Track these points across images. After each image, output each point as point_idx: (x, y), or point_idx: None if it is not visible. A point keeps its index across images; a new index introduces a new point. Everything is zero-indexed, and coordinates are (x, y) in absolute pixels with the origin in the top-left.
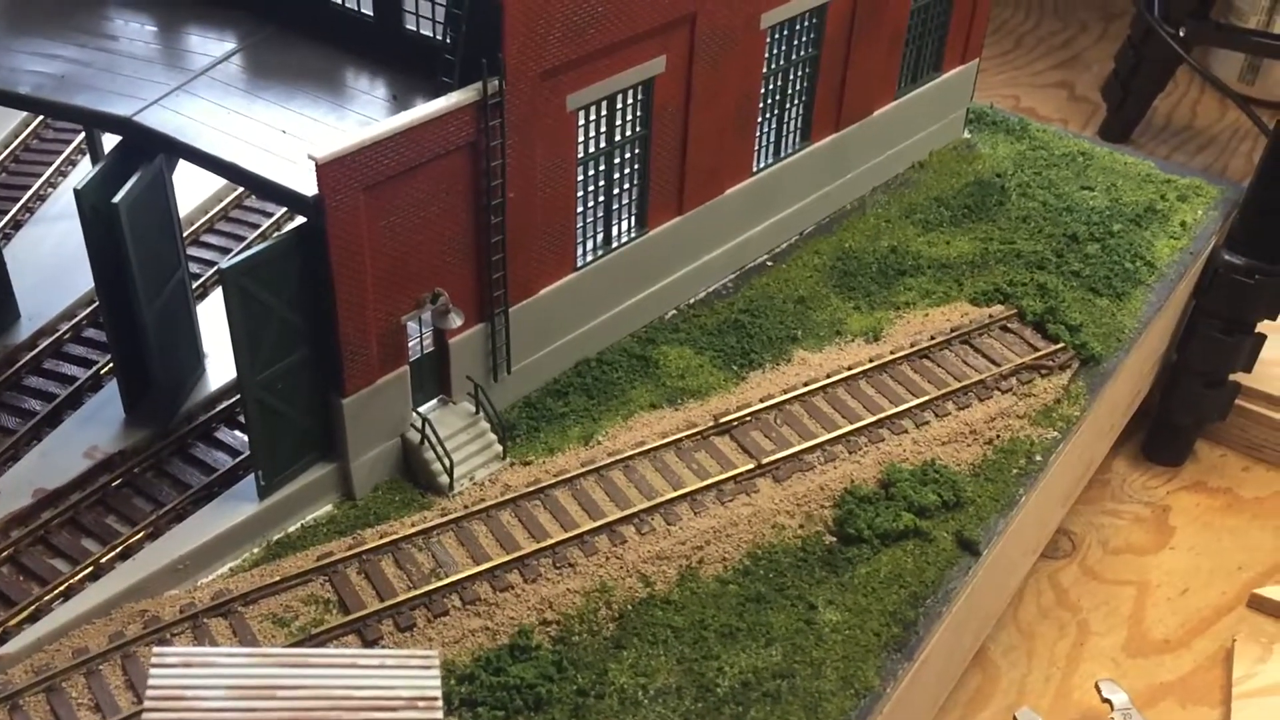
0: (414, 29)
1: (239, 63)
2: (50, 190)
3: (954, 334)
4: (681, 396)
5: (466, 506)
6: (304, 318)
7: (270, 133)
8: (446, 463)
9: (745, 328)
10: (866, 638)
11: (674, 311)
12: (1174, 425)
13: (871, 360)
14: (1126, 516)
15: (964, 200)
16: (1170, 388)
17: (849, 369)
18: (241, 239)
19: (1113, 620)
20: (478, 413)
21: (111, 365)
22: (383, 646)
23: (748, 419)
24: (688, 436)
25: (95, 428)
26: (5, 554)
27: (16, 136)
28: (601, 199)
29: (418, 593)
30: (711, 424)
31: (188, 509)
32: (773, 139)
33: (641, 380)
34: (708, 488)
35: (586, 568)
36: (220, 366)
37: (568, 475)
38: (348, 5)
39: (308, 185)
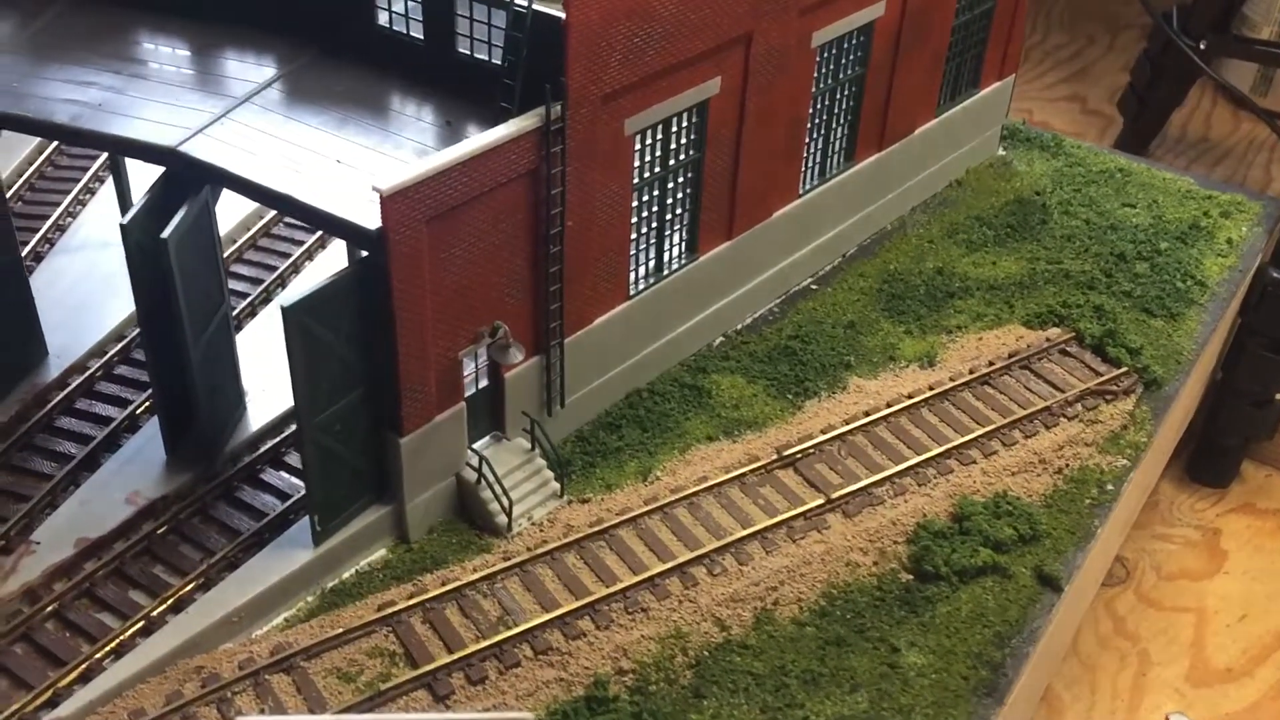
0: (466, 52)
1: (282, 89)
2: (69, 220)
3: (1013, 359)
4: (738, 428)
5: (529, 549)
6: (362, 355)
7: (322, 162)
8: (505, 502)
9: (796, 354)
10: (954, 681)
11: (721, 339)
12: (1220, 446)
13: (931, 388)
14: (1178, 540)
15: (1006, 219)
16: (1216, 407)
17: (909, 397)
18: (272, 268)
19: (1173, 649)
20: (533, 449)
21: (148, 404)
22: (455, 701)
23: (811, 451)
24: (751, 471)
25: (136, 471)
26: (50, 609)
27: (31, 164)
28: (654, 225)
29: (487, 643)
30: (775, 457)
31: (239, 557)
32: (818, 160)
33: (695, 411)
34: (777, 525)
35: (659, 612)
36: (260, 404)
37: (631, 514)
38: (396, 28)
39: (368, 218)
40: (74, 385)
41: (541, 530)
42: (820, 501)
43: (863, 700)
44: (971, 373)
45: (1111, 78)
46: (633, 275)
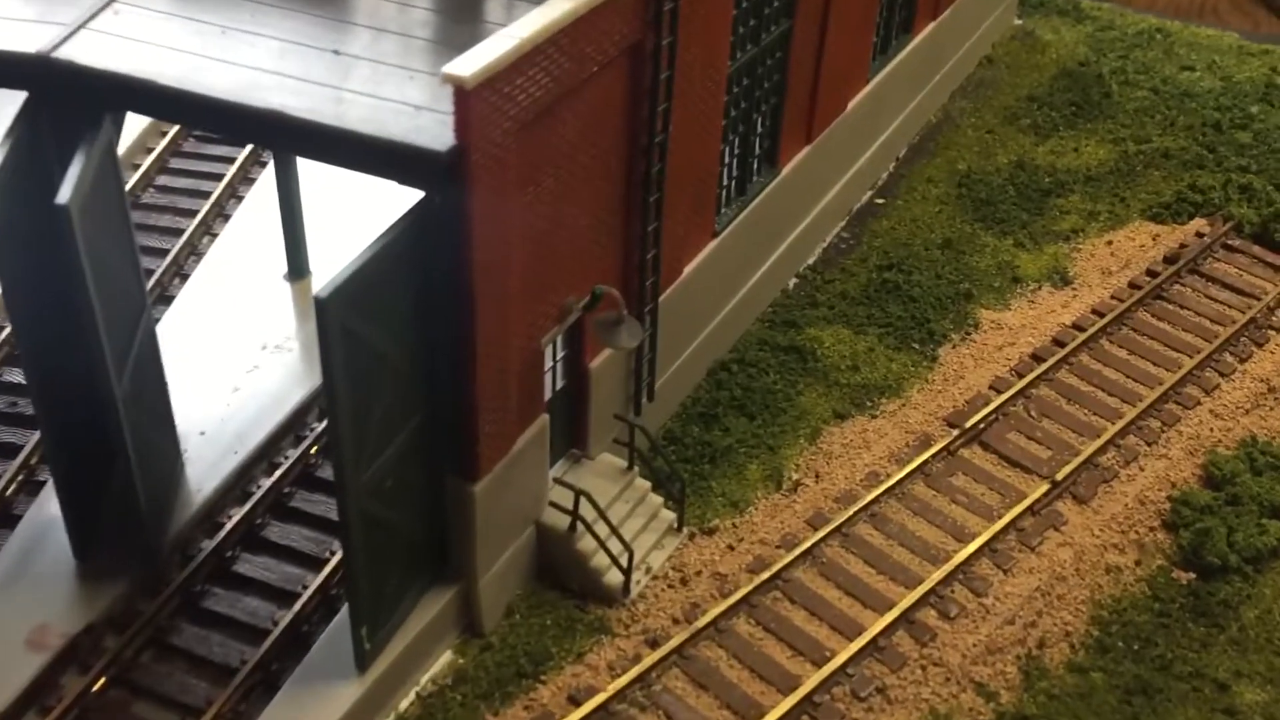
0: None
1: None
2: None
3: (1179, 265)
4: (868, 396)
5: (675, 620)
6: (419, 364)
7: (305, 55)
8: (615, 549)
9: (900, 289)
10: None
11: (795, 280)
12: None
13: (1098, 313)
14: None
15: (1064, 96)
16: None
17: (1077, 329)
18: (181, 221)
19: None
20: (630, 468)
21: (24, 474)
22: None
23: (994, 418)
24: (931, 457)
25: (32, 595)
26: None
27: None
28: (740, 130)
29: None
30: (955, 434)
31: (238, 712)
32: (882, 33)
33: (804, 380)
34: (1004, 530)
35: (901, 689)
36: (201, 454)
37: (800, 545)
38: None
39: (422, 135)
40: None
41: (675, 587)
42: (1044, 489)
43: None
44: (1134, 287)
45: None
46: (717, 204)
